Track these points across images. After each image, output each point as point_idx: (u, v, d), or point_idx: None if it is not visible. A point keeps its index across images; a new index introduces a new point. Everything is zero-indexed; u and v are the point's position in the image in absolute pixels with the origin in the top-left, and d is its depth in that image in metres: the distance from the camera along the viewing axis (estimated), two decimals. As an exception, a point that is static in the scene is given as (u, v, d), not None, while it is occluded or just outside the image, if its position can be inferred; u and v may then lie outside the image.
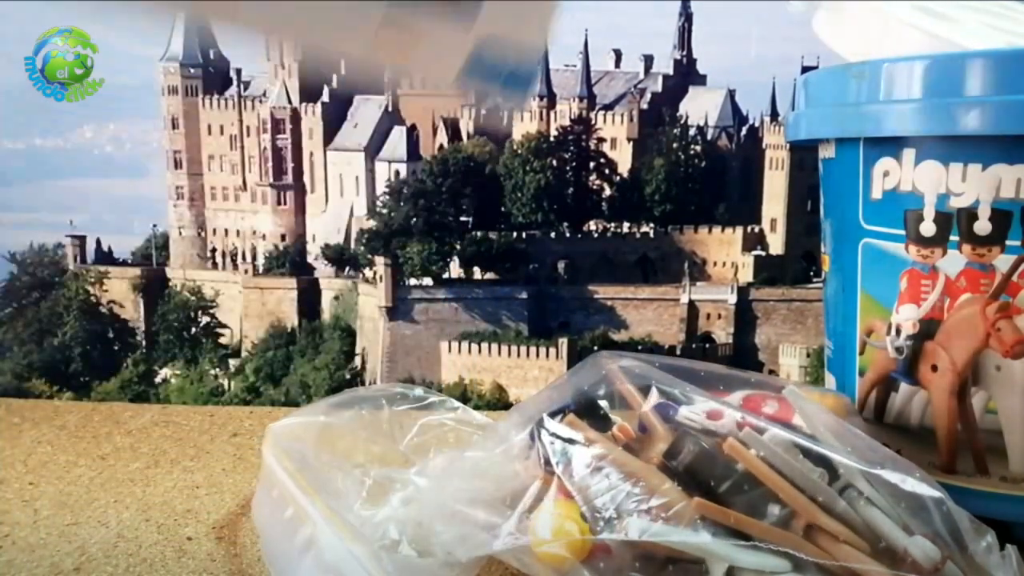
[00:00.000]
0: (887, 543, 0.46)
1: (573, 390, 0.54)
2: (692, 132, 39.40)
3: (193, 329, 40.53)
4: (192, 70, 43.78)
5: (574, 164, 39.05)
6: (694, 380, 0.55)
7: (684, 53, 42.51)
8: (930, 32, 0.67)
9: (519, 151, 38.44)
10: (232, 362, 39.47)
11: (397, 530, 0.52)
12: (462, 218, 37.29)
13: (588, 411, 0.52)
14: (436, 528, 0.50)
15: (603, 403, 0.53)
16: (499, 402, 29.62)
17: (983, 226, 0.59)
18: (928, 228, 0.61)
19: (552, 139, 39.02)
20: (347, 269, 39.77)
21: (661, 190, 38.38)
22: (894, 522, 0.47)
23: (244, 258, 43.09)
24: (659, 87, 41.50)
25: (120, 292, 40.79)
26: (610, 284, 36.81)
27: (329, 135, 42.32)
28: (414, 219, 36.76)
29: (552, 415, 0.51)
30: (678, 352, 30.79)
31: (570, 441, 0.49)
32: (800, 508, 0.47)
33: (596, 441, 0.49)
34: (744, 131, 40.55)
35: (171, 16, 0.48)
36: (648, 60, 42.72)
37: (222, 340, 40.59)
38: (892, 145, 0.63)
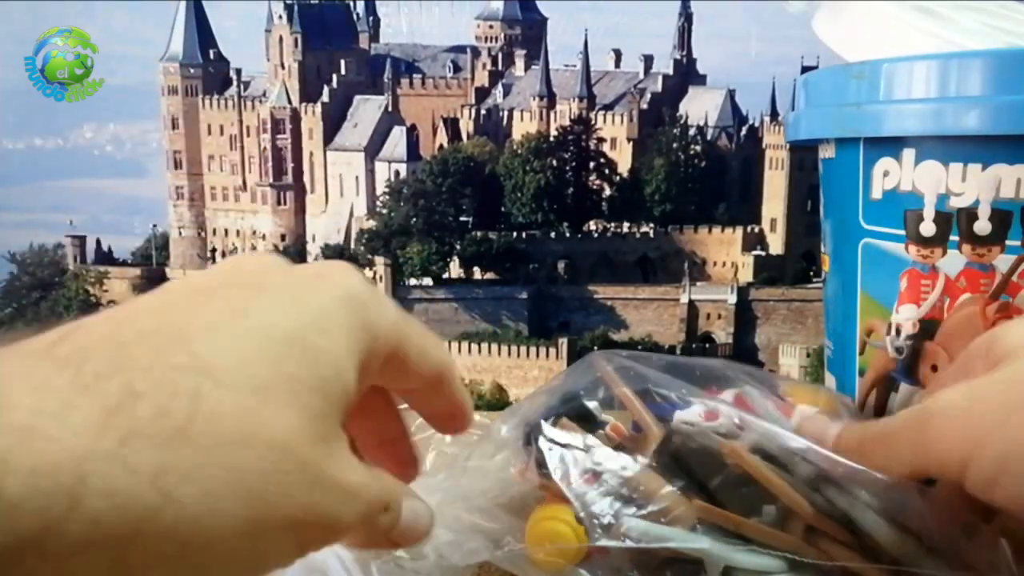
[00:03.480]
0: (885, 543, 0.46)
1: (567, 391, 0.53)
2: (692, 132, 39.45)
3: (193, 329, 40.57)
4: (192, 70, 43.82)
5: (574, 164, 39.09)
6: (690, 378, 0.54)
7: (684, 53, 42.56)
8: (930, 32, 0.67)
9: (519, 151, 38.51)
10: (232, 362, 39.52)
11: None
12: (462, 218, 37.33)
13: (582, 412, 0.51)
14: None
15: (597, 403, 0.52)
16: (499, 402, 29.59)
17: (983, 226, 0.59)
18: (928, 228, 0.61)
19: (552, 139, 39.08)
20: (347, 269, 39.79)
21: (661, 190, 38.44)
22: (890, 523, 0.47)
23: (244, 258, 43.11)
24: (659, 87, 41.56)
25: (120, 292, 40.78)
26: (610, 284, 36.86)
27: (329, 135, 42.35)
28: (414, 219, 36.82)
29: (546, 417, 0.50)
30: (678, 352, 30.81)
31: (565, 444, 0.49)
32: (798, 509, 0.46)
33: (591, 443, 0.49)
34: (744, 131, 40.60)
35: None
36: (648, 60, 42.78)
37: (222, 340, 40.60)
38: (892, 145, 0.62)
